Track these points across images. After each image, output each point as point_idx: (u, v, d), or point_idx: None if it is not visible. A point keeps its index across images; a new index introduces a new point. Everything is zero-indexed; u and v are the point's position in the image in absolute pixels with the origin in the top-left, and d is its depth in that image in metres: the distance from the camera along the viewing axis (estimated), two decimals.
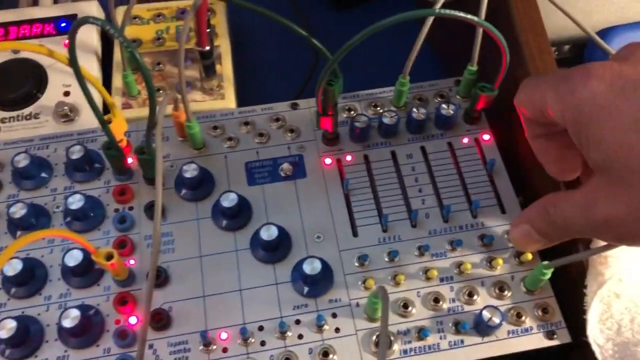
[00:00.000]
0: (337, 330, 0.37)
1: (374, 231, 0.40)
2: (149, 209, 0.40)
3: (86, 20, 0.32)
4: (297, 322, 0.37)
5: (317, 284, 0.37)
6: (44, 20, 0.55)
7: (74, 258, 0.36)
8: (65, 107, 0.49)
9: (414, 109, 0.43)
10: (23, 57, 0.53)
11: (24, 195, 0.41)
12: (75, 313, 0.35)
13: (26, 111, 0.51)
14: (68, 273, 0.37)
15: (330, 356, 0.36)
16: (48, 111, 0.50)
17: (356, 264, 0.39)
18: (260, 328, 0.37)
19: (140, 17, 0.56)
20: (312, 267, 0.36)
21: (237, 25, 0.58)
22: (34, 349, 0.35)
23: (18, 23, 0.55)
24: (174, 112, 0.41)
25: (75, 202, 0.38)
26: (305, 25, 0.36)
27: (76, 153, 0.40)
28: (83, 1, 0.57)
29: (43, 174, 0.41)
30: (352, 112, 0.45)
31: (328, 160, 0.43)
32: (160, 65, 0.53)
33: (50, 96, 0.51)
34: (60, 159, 0.42)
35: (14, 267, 0.36)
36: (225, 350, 0.36)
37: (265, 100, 0.46)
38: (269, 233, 0.38)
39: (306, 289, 0.37)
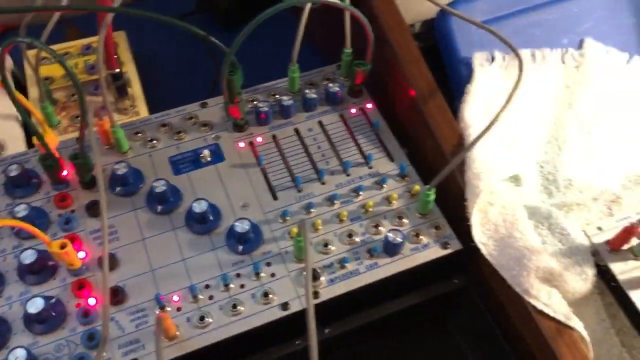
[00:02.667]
0: (272, 275, 0.43)
1: (290, 193, 0.47)
2: (90, 208, 0.45)
3: (14, 40, 0.37)
4: (238, 275, 0.43)
5: (249, 241, 0.44)
6: None
7: (29, 257, 0.41)
8: None
9: (306, 91, 0.51)
10: None
11: None
12: (39, 301, 0.39)
13: None
14: (25, 272, 0.42)
15: (270, 296, 0.42)
16: None
17: (280, 221, 0.45)
18: (207, 286, 0.42)
19: (49, 58, 0.61)
20: (242, 226, 0.43)
21: (140, 53, 0.64)
22: (4, 342, 0.39)
23: None
24: (98, 122, 0.47)
25: (21, 211, 0.43)
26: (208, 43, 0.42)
27: (14, 171, 0.45)
28: None
29: None
30: (255, 102, 0.52)
31: (241, 144, 0.50)
32: (74, 97, 0.58)
33: None
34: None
35: None
36: (179, 309, 0.41)
37: None
38: (200, 206, 0.44)
39: (240, 247, 0.44)
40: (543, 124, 0.54)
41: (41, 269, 0.42)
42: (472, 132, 0.47)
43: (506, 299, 0.44)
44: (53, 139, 0.46)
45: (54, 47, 0.62)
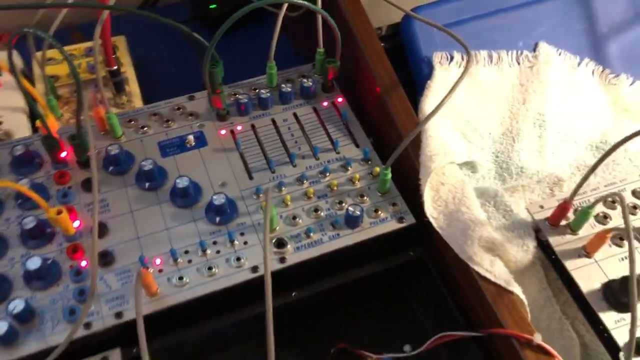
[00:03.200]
0: (245, 243, 0.48)
1: (265, 174, 0.53)
2: (85, 184, 0.51)
3: (22, 31, 0.43)
4: (214, 242, 0.48)
5: (225, 213, 0.49)
6: None
7: (30, 222, 0.46)
8: (1, 131, 0.59)
9: (283, 85, 0.57)
10: None
11: None
12: (37, 259, 0.44)
13: None
14: (26, 237, 0.47)
15: (242, 260, 0.47)
16: None
17: (254, 197, 0.51)
18: (186, 252, 0.48)
19: (55, 59, 0.68)
20: (219, 200, 0.48)
21: (138, 56, 0.70)
22: (4, 296, 0.44)
23: None
24: (95, 109, 0.53)
25: (24, 185, 0.48)
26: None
27: (19, 151, 0.51)
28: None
29: None
30: (237, 95, 0.58)
31: (223, 132, 0.55)
32: (76, 93, 0.64)
33: None
34: (5, 161, 0.52)
35: None
36: (161, 271, 0.46)
37: None
38: (182, 182, 0.49)
39: (218, 219, 0.49)
40: (499, 118, 0.60)
41: (40, 235, 0.47)
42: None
43: (456, 267, 0.49)
44: (54, 124, 0.52)
45: (65, 47, 0.68)
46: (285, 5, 0.53)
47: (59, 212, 0.45)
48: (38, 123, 0.51)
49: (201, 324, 0.47)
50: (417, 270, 0.52)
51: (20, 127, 0.61)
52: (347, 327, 0.53)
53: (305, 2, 0.50)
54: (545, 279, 0.50)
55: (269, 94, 0.56)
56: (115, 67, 0.61)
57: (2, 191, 0.50)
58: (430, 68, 0.58)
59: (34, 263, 0.44)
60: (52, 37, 0.44)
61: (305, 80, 0.57)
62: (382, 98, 0.55)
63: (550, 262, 0.50)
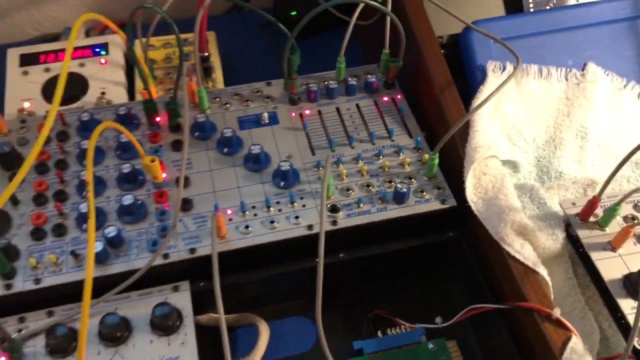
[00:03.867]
0: (303, 205, 0.55)
1: (325, 151, 0.60)
2: (174, 144, 0.59)
3: (142, 5, 0.53)
4: (277, 202, 0.55)
5: (289, 179, 0.56)
6: (84, 47, 0.76)
7: (127, 168, 0.55)
8: (104, 100, 0.70)
9: (349, 79, 0.65)
10: (71, 71, 0.73)
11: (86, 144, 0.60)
12: (130, 197, 0.53)
13: (75, 105, 0.70)
14: (122, 180, 0.56)
15: (300, 219, 0.54)
16: (90, 105, 0.70)
17: (314, 169, 0.58)
18: (253, 207, 0.55)
19: (154, 45, 0.78)
20: (285, 165, 0.56)
21: (225, 50, 0.79)
22: (100, 225, 0.53)
23: (64, 50, 0.76)
24: (189, 82, 0.61)
25: (124, 138, 0.57)
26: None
27: (122, 110, 0.60)
28: (112, 35, 0.79)
29: None
30: (308, 84, 0.66)
31: (293, 114, 0.63)
32: (170, 74, 0.74)
33: (91, 96, 0.71)
34: (109, 120, 0.62)
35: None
36: (230, 219, 0.54)
37: None
38: (255, 148, 0.57)
39: (282, 183, 0.56)
40: (544, 127, 0.65)
41: (133, 180, 0.56)
42: (476, 118, 0.59)
43: (488, 248, 0.54)
44: (154, 92, 0.61)
45: (159, 37, 0.78)
46: (360, 6, 0.60)
47: (153, 160, 0.54)
48: (140, 89, 0.60)
49: (258, 271, 0.54)
50: (453, 250, 0.57)
51: (120, 99, 0.71)
52: (385, 296, 0.59)
53: (377, 4, 0.58)
54: (571, 270, 0.55)
55: (336, 85, 0.64)
56: (206, 54, 0.71)
57: (105, 142, 0.60)
58: (484, 75, 0.64)
59: (128, 199, 0.53)
60: (167, 14, 0.53)
61: (369, 76, 0.65)
62: (437, 97, 0.61)
63: (578, 255, 0.55)
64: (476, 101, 0.62)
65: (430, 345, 0.54)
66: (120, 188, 0.56)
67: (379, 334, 0.56)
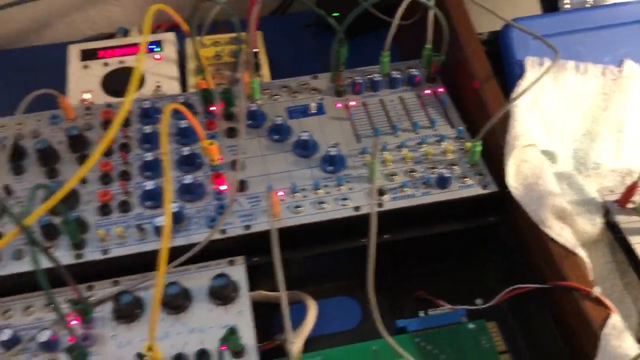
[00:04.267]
0: (350, 189, 0.59)
1: (371, 139, 0.63)
2: (229, 131, 0.63)
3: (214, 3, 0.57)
4: (326, 185, 0.59)
5: (336, 164, 0.60)
6: (139, 44, 0.81)
7: (186, 151, 0.59)
8: (160, 93, 0.74)
9: (393, 72, 0.68)
10: (127, 66, 0.78)
11: (147, 129, 0.64)
12: (190, 177, 0.57)
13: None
14: (181, 163, 0.60)
15: (347, 200, 0.57)
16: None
17: (360, 156, 0.61)
18: (303, 189, 0.58)
19: (204, 44, 0.82)
20: (333, 151, 0.59)
21: (270, 52, 0.83)
22: (161, 204, 0.57)
23: (122, 46, 0.81)
24: (245, 74, 0.65)
25: (183, 124, 0.61)
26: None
27: (180, 99, 0.64)
28: (166, 33, 0.83)
29: (156, 115, 0.65)
30: (353, 77, 0.69)
31: (339, 105, 0.67)
32: (220, 71, 0.78)
33: (147, 89, 0.75)
34: None
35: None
36: (282, 200, 0.58)
37: None
38: (304, 135, 0.61)
39: (330, 168, 0.60)
40: (581, 120, 0.67)
41: (192, 162, 0.60)
42: (516, 110, 0.61)
43: (528, 232, 0.56)
44: (210, 82, 0.65)
45: (212, 36, 0.82)
46: (406, 3, 0.64)
47: (211, 143, 0.58)
48: (195, 82, 0.64)
49: (306, 249, 0.57)
50: (493, 234, 0.60)
51: (174, 91, 0.75)
52: (426, 278, 0.61)
53: (424, 0, 0.61)
54: (610, 255, 0.57)
55: (380, 78, 0.67)
56: (256, 50, 0.75)
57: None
58: (522, 70, 0.67)
59: (188, 179, 0.57)
60: (229, 8, 0.57)
61: (412, 70, 0.68)
62: (478, 89, 0.64)
63: (617, 241, 0.57)
64: (515, 94, 0.64)
65: (471, 326, 0.57)
66: (179, 170, 0.60)
67: (421, 314, 0.59)
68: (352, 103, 0.67)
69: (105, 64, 0.78)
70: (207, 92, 0.63)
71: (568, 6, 0.74)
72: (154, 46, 0.81)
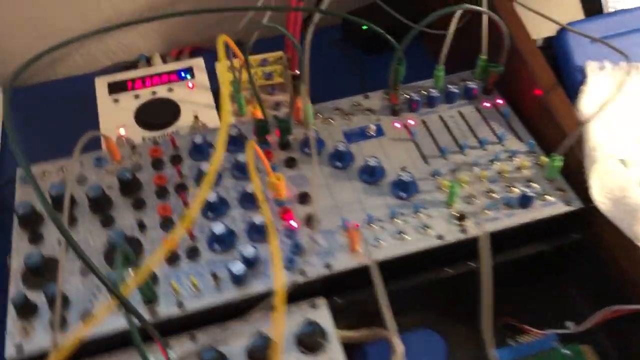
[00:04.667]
0: (428, 215, 0.55)
1: (438, 160, 0.60)
2: (288, 161, 0.60)
3: (262, 26, 0.53)
4: (402, 213, 0.55)
5: (409, 190, 0.56)
6: (169, 72, 0.77)
7: (250, 188, 0.55)
8: (200, 123, 0.70)
9: (449, 86, 0.65)
10: (160, 96, 0.74)
11: (204, 166, 0.60)
12: (260, 216, 0.53)
13: (169, 130, 0.71)
14: (244, 200, 0.56)
15: (428, 229, 0.54)
16: (184, 129, 0.70)
17: (431, 178, 0.58)
18: (379, 219, 0.55)
19: (236, 67, 0.78)
20: (405, 176, 0.56)
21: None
22: (232, 245, 0.53)
23: (151, 76, 0.77)
24: (297, 99, 0.62)
25: (242, 158, 0.58)
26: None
27: (233, 131, 0.60)
28: (194, 59, 0.79)
29: (209, 149, 0.61)
30: (407, 95, 0.66)
31: (397, 125, 0.63)
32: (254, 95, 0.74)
33: (184, 120, 0.71)
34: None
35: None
36: None
37: None
38: (372, 161, 0.57)
39: (403, 194, 0.56)
40: None
41: (255, 199, 0.56)
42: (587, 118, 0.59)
43: (618, 248, 0.53)
44: (256, 112, 0.61)
45: (236, 59, 0.78)
46: (459, 12, 0.60)
47: (279, 178, 0.54)
48: (251, 108, 0.60)
49: (390, 282, 0.53)
50: (576, 252, 0.57)
51: (212, 121, 0.71)
52: (511, 302, 0.58)
53: (483, 9, 0.58)
54: None
55: (437, 93, 0.64)
56: (297, 72, 0.71)
57: (221, 165, 0.60)
58: (583, 76, 0.64)
59: (258, 219, 0.53)
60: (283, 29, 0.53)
61: (469, 82, 0.65)
62: (544, 99, 0.61)
63: None
64: (580, 101, 0.62)
65: (566, 351, 0.54)
66: (243, 208, 0.56)
67: (510, 342, 0.56)
68: (411, 122, 0.63)
69: (137, 96, 0.74)
70: (263, 122, 0.60)
71: (612, 9, 0.72)
72: (185, 73, 0.77)
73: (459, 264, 0.55)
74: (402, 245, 0.53)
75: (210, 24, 0.90)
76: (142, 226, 0.55)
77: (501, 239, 0.55)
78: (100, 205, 0.55)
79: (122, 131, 0.70)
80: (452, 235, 0.54)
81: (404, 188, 0.56)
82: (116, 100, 0.74)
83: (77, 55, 0.88)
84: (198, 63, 0.78)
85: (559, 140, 0.59)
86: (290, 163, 0.60)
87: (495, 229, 0.54)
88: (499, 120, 0.63)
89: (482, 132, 0.62)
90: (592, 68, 0.65)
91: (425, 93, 0.65)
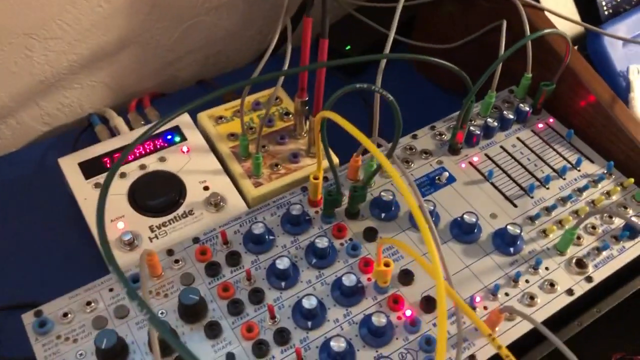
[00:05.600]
0: (546, 268, 0.49)
1: (524, 199, 0.53)
2: (367, 233, 0.50)
3: (354, 87, 0.42)
4: (518, 273, 0.48)
5: (516, 243, 0.49)
6: (154, 137, 0.62)
7: (349, 280, 0.45)
8: (219, 197, 0.57)
9: (505, 112, 0.58)
10: (152, 170, 0.59)
11: (262, 258, 0.48)
12: (381, 316, 0.43)
13: (179, 211, 0.57)
14: (343, 295, 0.45)
15: (555, 286, 0.47)
16: (198, 206, 0.57)
17: (529, 223, 0.52)
18: (496, 286, 0.47)
19: (225, 117, 0.65)
20: (514, 229, 0.49)
21: None
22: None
23: (129, 146, 0.61)
24: (354, 157, 0.52)
25: (322, 243, 0.47)
26: None
27: (296, 210, 0.49)
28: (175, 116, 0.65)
29: (270, 237, 0.49)
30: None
31: (463, 165, 0.56)
32: (264, 148, 0.62)
33: (195, 195, 0.58)
34: (273, 223, 0.50)
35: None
36: (485, 308, 0.46)
37: None
38: (471, 217, 0.49)
39: (511, 249, 0.49)
40: None
41: (354, 292, 0.46)
42: None
43: None
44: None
45: (223, 106, 0.66)
46: (504, 27, 0.54)
47: (387, 264, 0.44)
48: (317, 175, 0.49)
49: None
50: None
51: (226, 191, 0.58)
52: (619, 336, 0.54)
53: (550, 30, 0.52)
54: None
55: (495, 123, 0.58)
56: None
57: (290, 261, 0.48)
58: (627, 81, 0.61)
59: (377, 320, 0.43)
60: (386, 93, 0.43)
61: (521, 104, 0.59)
62: (604, 110, 0.57)
63: None
64: (636, 110, 0.59)
65: None
66: (341, 305, 0.46)
67: None
68: (475, 158, 0.57)
69: (122, 175, 0.59)
70: (338, 195, 0.49)
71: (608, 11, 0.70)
72: (172, 135, 0.63)
73: (585, 315, 0.49)
74: (536, 311, 0.46)
75: (165, 62, 0.75)
76: None
77: (618, 275, 0.50)
78: (165, 347, 0.41)
79: (120, 225, 0.55)
80: (581, 287, 0.48)
81: (511, 242, 0.49)
82: (97, 186, 0.58)
83: (3, 126, 0.69)
84: (183, 119, 0.64)
85: (632, 155, 0.56)
86: (369, 235, 0.50)
87: (618, 267, 0.49)
88: (560, 142, 0.59)
89: (551, 158, 0.57)
90: (632, 71, 0.62)
91: (480, 122, 0.59)
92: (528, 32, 0.57)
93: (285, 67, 0.54)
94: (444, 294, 0.29)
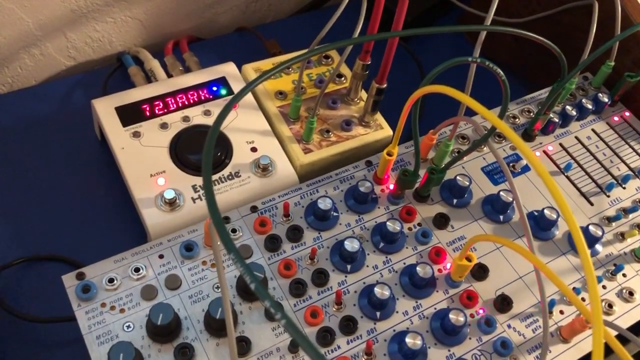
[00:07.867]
0: (624, 275, 0.46)
1: (601, 198, 0.50)
2: (438, 219, 0.46)
3: (464, 60, 0.38)
4: (598, 278, 0.45)
5: (595, 245, 0.46)
6: (198, 87, 0.56)
7: (424, 272, 0.41)
8: (268, 162, 0.52)
9: (584, 100, 0.54)
10: (196, 124, 0.54)
11: (325, 236, 0.44)
12: (457, 315, 0.39)
13: (225, 172, 0.52)
14: (413, 287, 0.42)
15: (635, 295, 0.44)
16: (245, 168, 0.52)
17: (607, 223, 0.48)
18: (576, 290, 0.44)
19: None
20: (596, 230, 0.45)
21: None
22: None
23: (173, 93, 0.56)
24: (430, 135, 0.47)
25: (393, 226, 0.43)
26: None
27: (364, 187, 0.45)
28: (221, 65, 0.59)
29: (334, 214, 0.45)
30: (531, 114, 0.54)
31: (538, 154, 0.52)
32: (318, 112, 0.57)
33: (241, 157, 0.53)
34: (336, 198, 0.46)
35: None
36: (561, 312, 0.43)
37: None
38: (549, 213, 0.46)
39: (590, 251, 0.46)
40: None
41: (427, 284, 0.42)
42: None
43: None
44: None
45: (269, 60, 0.60)
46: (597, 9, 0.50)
47: (469, 259, 0.40)
48: (391, 152, 0.44)
49: None
50: None
51: (276, 151, 0.53)
52: None
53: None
54: None
55: (574, 112, 0.53)
56: (385, 86, 0.55)
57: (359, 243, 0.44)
58: None
59: (455, 318, 0.39)
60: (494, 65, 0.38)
61: (600, 94, 0.55)
62: None
63: None
64: None
65: None
66: (411, 296, 0.42)
67: None
68: (550, 148, 0.53)
69: (163, 126, 0.53)
70: (415, 176, 0.45)
71: None
72: (218, 87, 0.57)
73: None
74: (615, 321, 0.43)
75: (204, 4, 0.69)
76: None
77: None
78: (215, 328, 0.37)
79: (160, 181, 0.50)
80: None
81: (590, 245, 0.46)
82: (136, 135, 0.53)
83: (26, 56, 0.63)
84: (229, 70, 0.59)
85: None
86: (441, 222, 0.46)
87: None
88: (636, 138, 0.55)
89: (627, 155, 0.53)
90: None
91: (557, 110, 0.54)
92: (620, 17, 0.53)
93: (358, 31, 0.49)
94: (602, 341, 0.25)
